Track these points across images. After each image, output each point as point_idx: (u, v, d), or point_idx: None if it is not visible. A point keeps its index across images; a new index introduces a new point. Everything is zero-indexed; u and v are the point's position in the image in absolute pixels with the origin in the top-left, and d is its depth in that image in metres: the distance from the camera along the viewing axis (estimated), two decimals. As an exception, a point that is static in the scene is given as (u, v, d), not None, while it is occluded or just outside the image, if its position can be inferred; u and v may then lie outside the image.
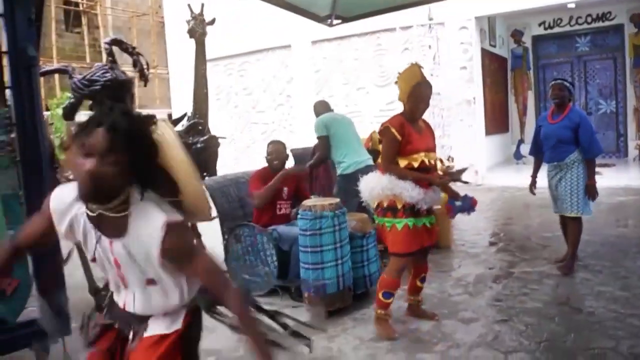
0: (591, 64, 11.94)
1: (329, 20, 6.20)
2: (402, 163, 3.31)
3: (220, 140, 5.58)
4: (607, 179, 9.15)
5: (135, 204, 1.57)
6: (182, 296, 1.76)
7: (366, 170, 4.03)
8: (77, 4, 19.32)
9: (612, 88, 11.71)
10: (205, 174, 4.72)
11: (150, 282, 1.69)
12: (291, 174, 4.50)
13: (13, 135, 3.12)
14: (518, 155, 12.26)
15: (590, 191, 4.47)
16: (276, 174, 4.43)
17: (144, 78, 5.08)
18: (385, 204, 3.33)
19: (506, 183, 9.64)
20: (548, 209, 5.19)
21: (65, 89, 12.33)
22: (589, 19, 11.58)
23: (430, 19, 10.08)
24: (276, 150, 4.53)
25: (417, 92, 3.32)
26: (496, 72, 11.99)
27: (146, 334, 1.74)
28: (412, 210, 3.29)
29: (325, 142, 5.15)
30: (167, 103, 17.27)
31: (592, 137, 4.44)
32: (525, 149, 12.25)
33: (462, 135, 10.25)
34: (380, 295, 3.45)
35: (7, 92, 3.16)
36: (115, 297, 1.83)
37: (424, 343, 3.35)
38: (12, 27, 3.08)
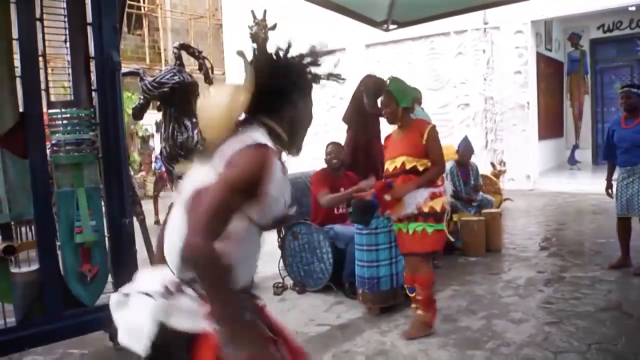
0: (652, 68, 11.64)
1: (385, 25, 6.35)
2: None
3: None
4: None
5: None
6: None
7: None
8: (139, 7, 20.09)
9: (674, 93, 11.35)
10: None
11: None
12: (365, 189, 4.18)
13: (96, 133, 3.43)
14: (572, 161, 12.06)
15: None
16: (337, 174, 4.66)
17: (208, 81, 5.36)
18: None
19: (559, 188, 9.53)
20: (601, 215, 5.20)
21: (127, 89, 12.88)
22: (651, 22, 11.30)
23: (486, 23, 10.07)
24: (335, 151, 4.72)
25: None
26: (551, 76, 11.83)
27: None
28: None
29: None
30: (221, 104, 17.74)
31: None
32: (579, 154, 12.07)
33: (514, 140, 10.20)
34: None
35: (93, 94, 3.47)
36: None
37: (475, 340, 3.46)
38: (99, 35, 3.39)
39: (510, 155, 9.93)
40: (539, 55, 10.77)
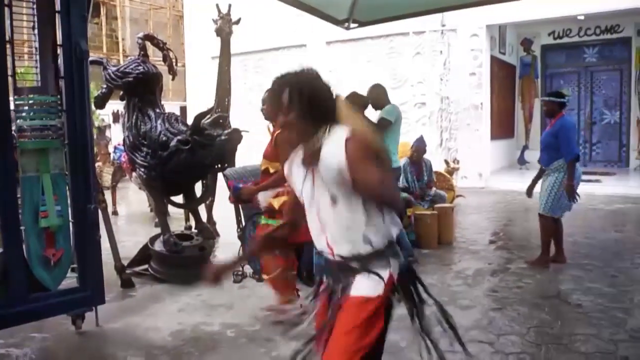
0: (598, 74, 12.25)
1: (347, 24, 6.52)
2: None
3: (243, 134, 5.89)
4: (607, 186, 9.50)
5: (325, 137, 1.85)
6: (367, 220, 1.86)
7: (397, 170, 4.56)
8: (96, -5, 19.71)
9: (617, 99, 12.02)
10: (226, 165, 5.05)
11: (334, 201, 1.85)
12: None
13: (62, 120, 3.47)
14: (522, 161, 12.59)
15: (567, 190, 4.80)
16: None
17: (172, 72, 5.43)
18: None
19: (509, 187, 9.95)
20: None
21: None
22: (598, 31, 11.89)
23: (443, 25, 10.40)
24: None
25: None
26: (504, 79, 12.30)
27: (352, 293, 1.86)
28: None
29: (386, 128, 5.17)
30: (179, 95, 17.63)
31: (566, 141, 4.78)
32: (528, 154, 12.58)
33: (468, 139, 10.57)
34: None
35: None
36: (320, 247, 1.97)
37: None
38: (67, 23, 3.43)
39: (463, 154, 10.29)
40: (493, 58, 11.20)
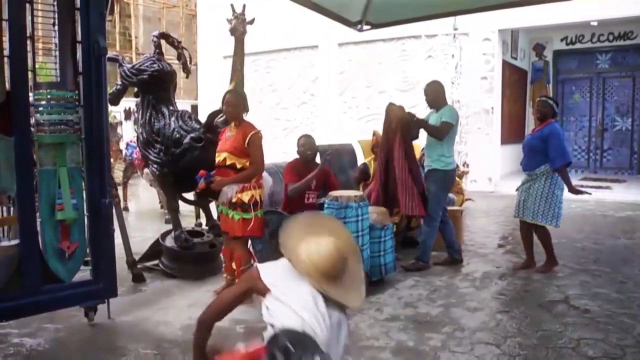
0: (610, 81, 12.21)
1: (359, 26, 6.58)
2: None
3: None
4: (617, 193, 9.47)
5: None
6: None
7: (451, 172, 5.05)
8: (110, -7, 19.87)
9: (629, 106, 11.96)
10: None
11: None
12: (325, 170, 4.84)
13: (79, 115, 3.53)
14: (532, 166, 12.54)
15: (574, 192, 4.86)
16: (308, 165, 4.84)
17: (187, 70, 5.48)
18: None
19: (518, 192, 9.89)
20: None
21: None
22: (611, 37, 11.84)
23: (455, 29, 10.40)
24: (308, 143, 4.91)
25: (225, 98, 4.15)
26: (516, 83, 12.28)
27: None
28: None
29: (448, 132, 5.05)
30: (191, 94, 17.74)
31: (558, 147, 4.76)
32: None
33: (478, 143, 10.57)
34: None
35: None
36: None
37: (433, 325, 3.71)
38: (86, 20, 3.50)
39: (473, 158, 10.28)
40: (505, 63, 11.19)
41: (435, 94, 5.30)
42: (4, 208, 3.40)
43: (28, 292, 3.33)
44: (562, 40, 12.49)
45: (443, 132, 5.01)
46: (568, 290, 4.46)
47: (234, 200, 4.04)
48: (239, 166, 4.05)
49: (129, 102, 11.28)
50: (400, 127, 4.99)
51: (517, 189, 5.18)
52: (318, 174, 4.71)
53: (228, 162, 4.06)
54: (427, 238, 5.10)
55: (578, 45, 12.36)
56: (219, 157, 4.13)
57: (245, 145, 4.02)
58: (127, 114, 15.37)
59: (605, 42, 11.95)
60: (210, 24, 13.04)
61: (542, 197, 4.84)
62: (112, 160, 11.57)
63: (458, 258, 5.26)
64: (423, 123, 5.16)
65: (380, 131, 5.56)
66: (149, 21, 20.64)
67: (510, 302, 4.20)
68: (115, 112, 14.24)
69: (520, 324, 3.71)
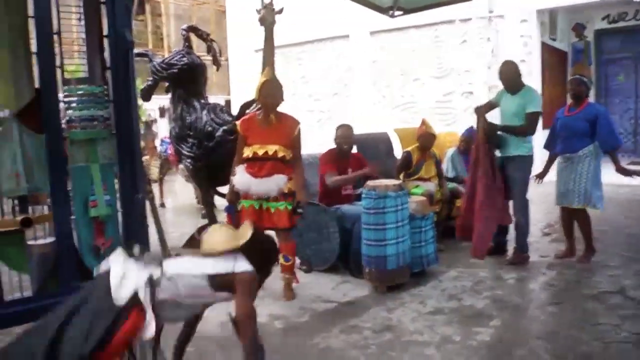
0: (656, 60, 11.66)
1: (391, 12, 6.39)
2: (245, 153, 3.90)
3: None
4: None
5: None
6: None
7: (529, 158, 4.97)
8: (142, -8, 20.05)
9: (676, 86, 11.40)
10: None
11: None
12: (372, 174, 4.71)
13: (109, 110, 3.48)
14: (574, 150, 12.11)
15: (623, 172, 4.60)
16: (345, 156, 4.75)
17: (216, 63, 5.41)
18: None
19: (561, 178, 9.55)
20: (607, 203, 5.20)
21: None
22: (656, 14, 11.30)
23: (491, 12, 10.08)
24: (347, 135, 4.79)
25: (264, 88, 3.84)
26: (555, 66, 11.83)
27: None
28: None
29: (537, 121, 4.91)
30: (223, 89, 17.78)
31: (609, 129, 4.54)
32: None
33: (517, 129, 10.22)
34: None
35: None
36: None
37: (480, 318, 3.54)
38: (112, 14, 3.42)
39: (512, 144, 9.96)
40: (544, 45, 10.78)
41: (511, 75, 5.04)
42: (44, 207, 3.38)
43: (65, 290, 3.28)
44: (603, 19, 11.96)
45: (534, 127, 4.85)
46: (622, 280, 4.21)
47: (285, 190, 3.87)
48: (288, 158, 3.89)
49: (164, 99, 11.33)
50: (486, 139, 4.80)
51: (557, 173, 4.94)
52: (364, 173, 4.67)
53: (279, 155, 3.85)
54: (523, 226, 4.89)
55: (621, 24, 11.82)
56: (263, 149, 3.86)
57: (294, 137, 3.90)
58: (162, 111, 15.50)
59: (651, 19, 11.41)
60: (239, 17, 12.99)
61: (587, 180, 4.60)
62: (148, 157, 11.70)
63: (506, 249, 5.09)
64: (510, 129, 4.90)
65: (428, 120, 5.58)
66: (179, 19, 20.75)
67: (561, 293, 3.99)
68: (150, 110, 14.36)
69: (574, 318, 3.50)
